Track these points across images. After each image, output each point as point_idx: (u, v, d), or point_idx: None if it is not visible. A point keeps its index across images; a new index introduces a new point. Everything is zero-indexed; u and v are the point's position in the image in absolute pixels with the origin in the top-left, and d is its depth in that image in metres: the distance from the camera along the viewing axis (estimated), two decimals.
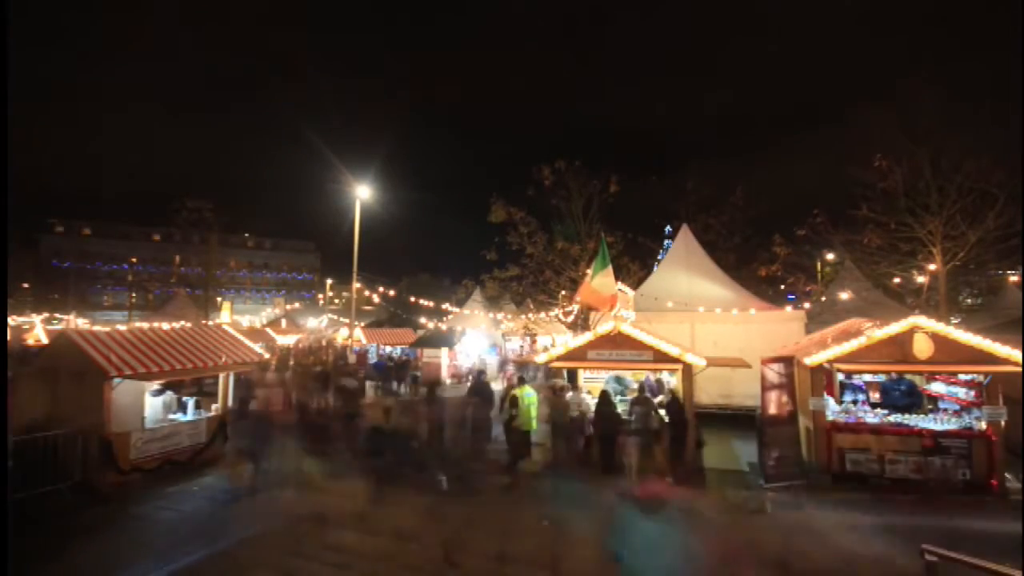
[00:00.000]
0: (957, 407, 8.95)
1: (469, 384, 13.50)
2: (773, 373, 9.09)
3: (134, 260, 58.59)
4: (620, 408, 9.71)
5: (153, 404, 9.34)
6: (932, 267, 17.17)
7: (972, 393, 8.69)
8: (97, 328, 10.86)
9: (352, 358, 20.59)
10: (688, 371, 9.34)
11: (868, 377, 9.84)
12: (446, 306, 26.41)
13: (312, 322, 39.82)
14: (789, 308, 15.06)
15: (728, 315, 13.66)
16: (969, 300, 25.48)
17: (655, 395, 10.49)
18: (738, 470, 9.40)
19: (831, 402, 9.02)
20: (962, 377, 8.86)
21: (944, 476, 8.00)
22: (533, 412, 9.62)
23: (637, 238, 24.51)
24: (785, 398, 9.05)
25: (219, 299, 37.13)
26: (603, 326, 9.88)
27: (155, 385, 9.43)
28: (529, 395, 9.68)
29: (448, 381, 18.83)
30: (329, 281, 53.70)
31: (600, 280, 10.58)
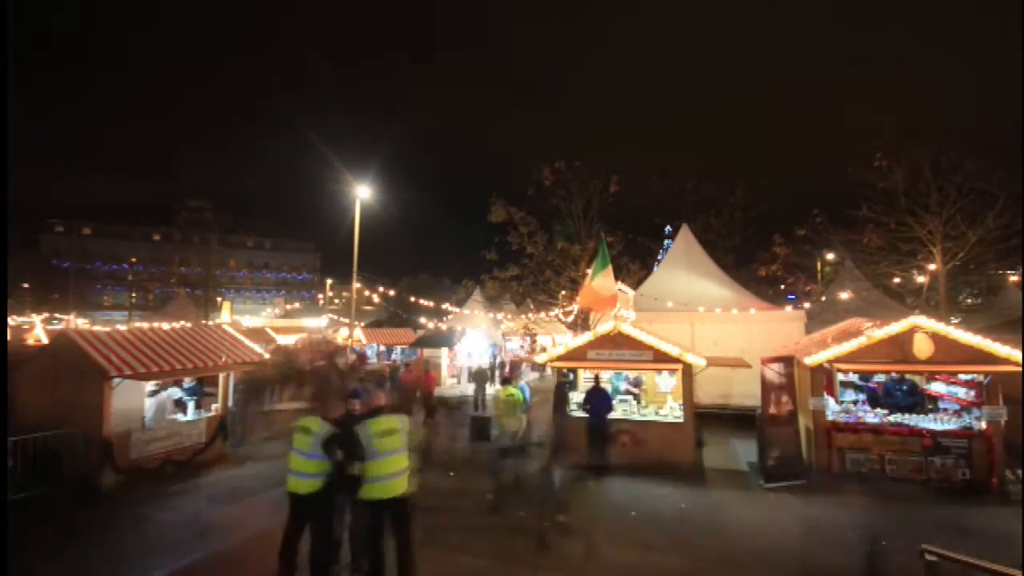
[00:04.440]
0: (957, 407, 8.95)
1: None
2: (773, 373, 9.08)
3: (134, 260, 58.54)
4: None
5: (150, 405, 9.34)
6: (932, 267, 17.19)
7: (972, 393, 8.69)
8: (97, 328, 10.86)
9: (353, 358, 20.52)
10: (688, 371, 9.34)
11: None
12: (446, 306, 26.41)
13: (312, 322, 39.78)
14: (789, 308, 15.06)
15: (728, 315, 13.66)
16: (969, 300, 25.51)
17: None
18: (738, 470, 9.40)
19: (831, 402, 9.02)
20: (962, 377, 8.86)
21: (944, 476, 8.00)
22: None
23: (637, 238, 24.59)
24: (785, 398, 9.05)
25: (219, 299, 37.21)
26: (603, 326, 9.87)
27: (152, 385, 9.42)
28: (515, 395, 9.09)
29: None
30: (329, 281, 53.71)
31: (600, 281, 10.53)
